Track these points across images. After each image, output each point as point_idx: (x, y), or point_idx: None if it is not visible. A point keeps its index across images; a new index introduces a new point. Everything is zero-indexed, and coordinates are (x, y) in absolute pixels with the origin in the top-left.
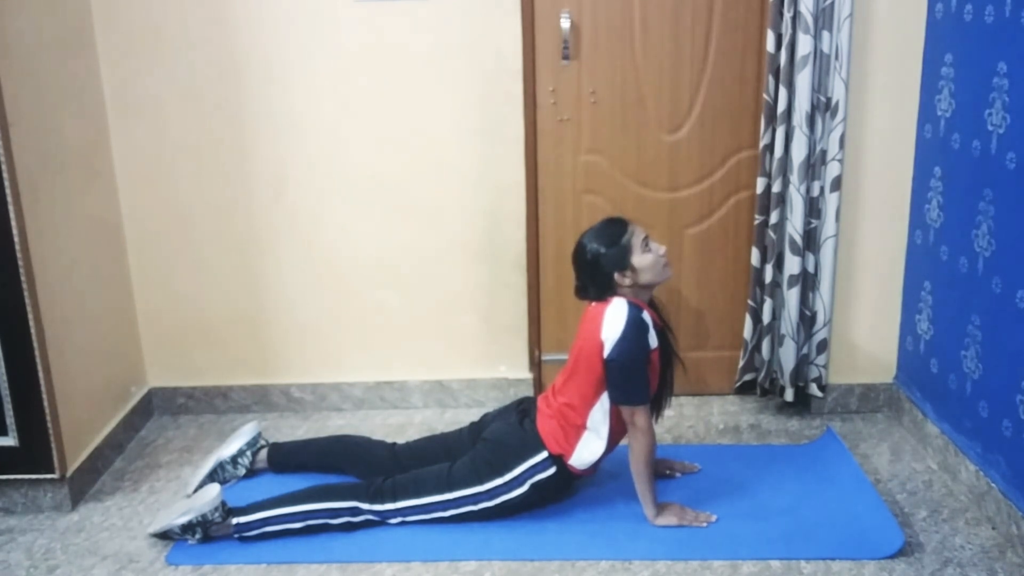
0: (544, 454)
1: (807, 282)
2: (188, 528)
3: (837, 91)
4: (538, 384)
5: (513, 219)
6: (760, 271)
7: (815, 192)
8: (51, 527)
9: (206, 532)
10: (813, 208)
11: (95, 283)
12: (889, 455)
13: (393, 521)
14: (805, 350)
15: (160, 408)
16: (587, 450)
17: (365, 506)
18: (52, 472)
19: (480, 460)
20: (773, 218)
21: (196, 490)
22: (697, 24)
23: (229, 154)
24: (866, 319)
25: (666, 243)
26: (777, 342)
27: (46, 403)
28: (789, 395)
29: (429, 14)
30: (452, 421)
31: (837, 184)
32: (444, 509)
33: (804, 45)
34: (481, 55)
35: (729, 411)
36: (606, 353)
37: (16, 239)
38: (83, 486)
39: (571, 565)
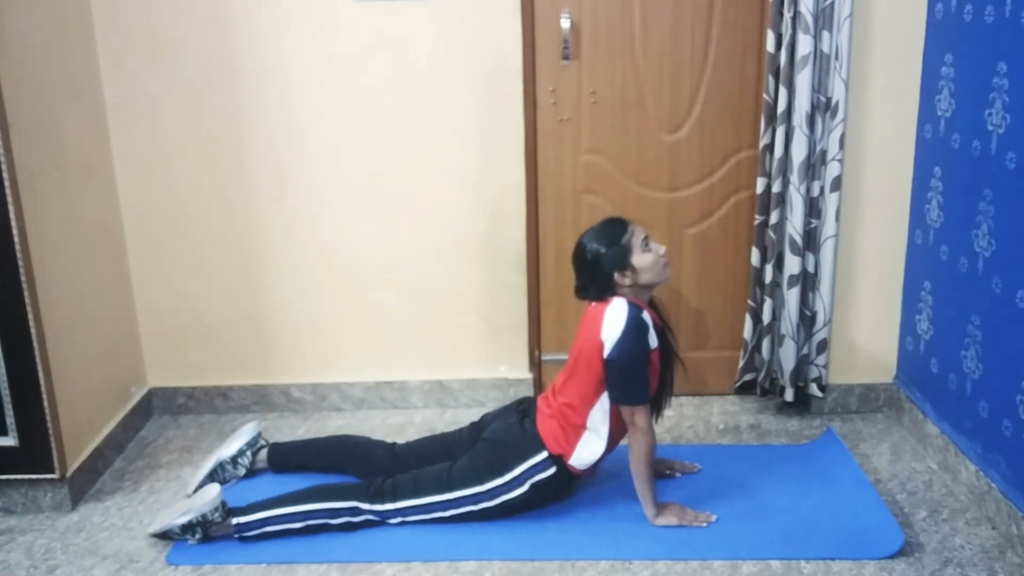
0: (544, 454)
1: (807, 282)
2: (188, 528)
3: (837, 91)
4: (538, 384)
5: (513, 219)
6: (760, 271)
7: (815, 192)
8: (51, 527)
9: (206, 532)
10: (813, 208)
11: (95, 283)
12: (889, 455)
13: (393, 521)
14: (805, 350)
15: (160, 408)
16: (587, 450)
17: (365, 506)
18: (52, 472)
19: (480, 460)
20: (773, 218)
21: (196, 490)
22: (697, 24)
23: (229, 154)
24: (866, 319)
25: (666, 243)
26: (777, 342)
27: (46, 403)
28: (789, 395)
29: (429, 14)
30: (452, 421)
31: (837, 184)
32: (444, 509)
33: (804, 45)
34: (481, 55)
35: (729, 411)
36: (606, 353)
37: (16, 239)
38: (83, 486)
39: (571, 565)
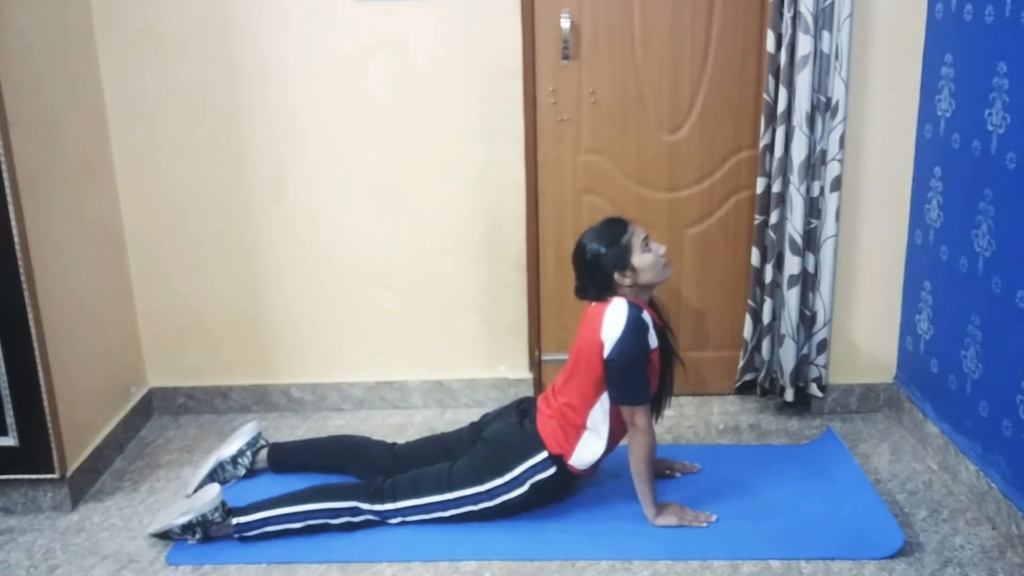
0: (544, 454)
1: (807, 282)
2: (188, 528)
3: (837, 91)
4: (538, 384)
5: (513, 219)
6: (760, 271)
7: (815, 192)
8: (51, 527)
9: (206, 532)
10: (813, 208)
11: (95, 283)
12: (889, 455)
13: (393, 521)
14: (805, 350)
15: (160, 408)
16: (587, 450)
17: (365, 506)
18: (52, 472)
19: (480, 460)
20: (773, 218)
21: (196, 490)
22: (697, 24)
23: (229, 154)
24: (866, 319)
25: (666, 243)
26: (777, 342)
27: (46, 403)
28: (789, 395)
29: (429, 14)
30: (452, 421)
31: (837, 184)
32: (444, 509)
33: (804, 45)
34: (481, 55)
35: (729, 411)
36: (606, 353)
37: (16, 239)
38: (83, 486)
39: (571, 565)
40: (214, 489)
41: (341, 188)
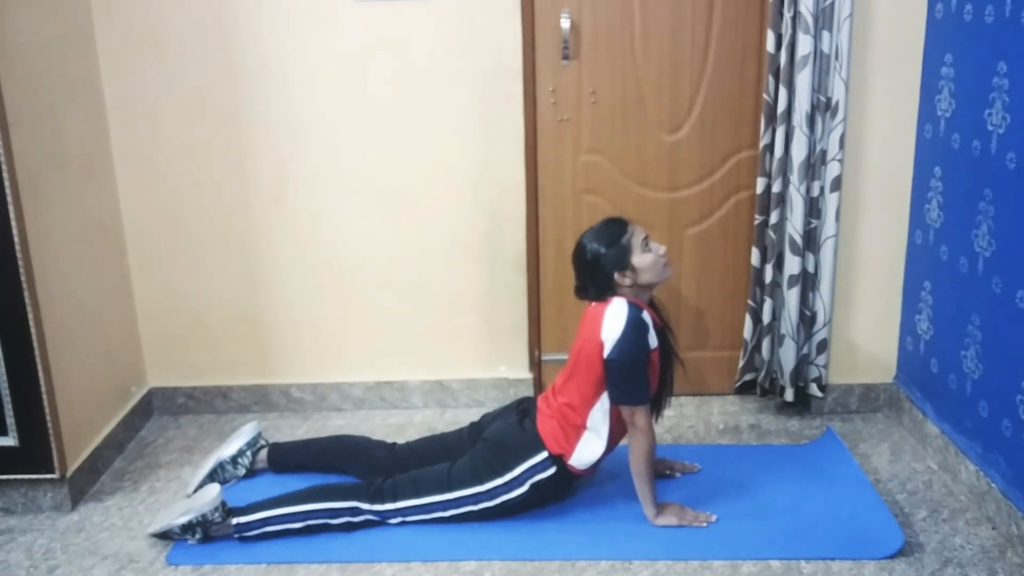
0: (544, 454)
1: (807, 282)
2: (188, 528)
3: (837, 91)
4: (538, 384)
5: (513, 219)
6: (760, 271)
7: (815, 192)
8: (51, 527)
9: (206, 532)
10: (813, 208)
11: (95, 283)
12: (889, 455)
13: (393, 521)
14: (805, 350)
15: (160, 408)
16: (587, 450)
17: (365, 506)
18: (52, 472)
19: (480, 460)
20: (773, 218)
21: (196, 490)
22: (697, 24)
23: (229, 154)
24: (866, 319)
25: (666, 243)
26: (777, 342)
27: (46, 403)
28: (789, 395)
29: (429, 14)
30: (452, 421)
31: (837, 184)
32: (444, 509)
33: (804, 45)
34: (481, 55)
35: (729, 411)
36: (606, 353)
37: (16, 239)
38: (83, 486)
39: (571, 565)
40: (214, 489)
41: (341, 188)
